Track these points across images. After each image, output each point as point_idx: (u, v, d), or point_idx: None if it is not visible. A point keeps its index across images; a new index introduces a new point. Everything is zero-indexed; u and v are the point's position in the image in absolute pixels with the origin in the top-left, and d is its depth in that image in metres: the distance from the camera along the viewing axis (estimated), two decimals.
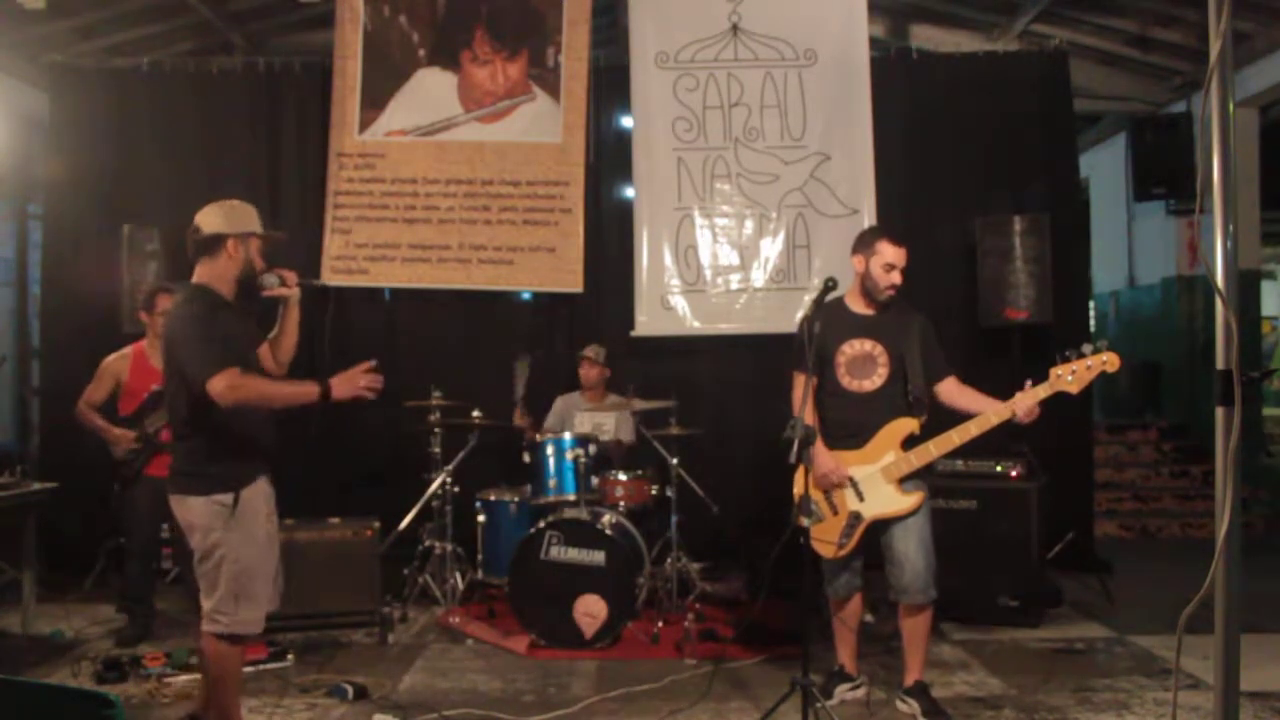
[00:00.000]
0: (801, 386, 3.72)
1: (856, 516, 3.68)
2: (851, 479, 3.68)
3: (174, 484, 3.17)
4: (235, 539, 3.10)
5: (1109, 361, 3.38)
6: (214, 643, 3.12)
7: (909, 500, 3.64)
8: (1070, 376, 3.41)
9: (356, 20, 6.28)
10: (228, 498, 3.08)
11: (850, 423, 3.72)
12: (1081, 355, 3.40)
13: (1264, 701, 3.75)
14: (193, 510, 3.10)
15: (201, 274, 3.21)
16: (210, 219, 3.19)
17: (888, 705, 3.84)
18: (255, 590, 3.14)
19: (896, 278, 3.71)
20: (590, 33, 6.29)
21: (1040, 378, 3.47)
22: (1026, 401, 3.45)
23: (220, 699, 3.16)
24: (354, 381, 3.18)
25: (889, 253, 3.70)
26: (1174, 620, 2.18)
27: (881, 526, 3.68)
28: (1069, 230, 6.19)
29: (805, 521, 3.45)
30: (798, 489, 3.68)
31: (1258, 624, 4.32)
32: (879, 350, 3.73)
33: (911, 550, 3.63)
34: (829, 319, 3.77)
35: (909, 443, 3.65)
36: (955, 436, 3.56)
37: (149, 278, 5.77)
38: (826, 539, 3.71)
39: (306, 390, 3.12)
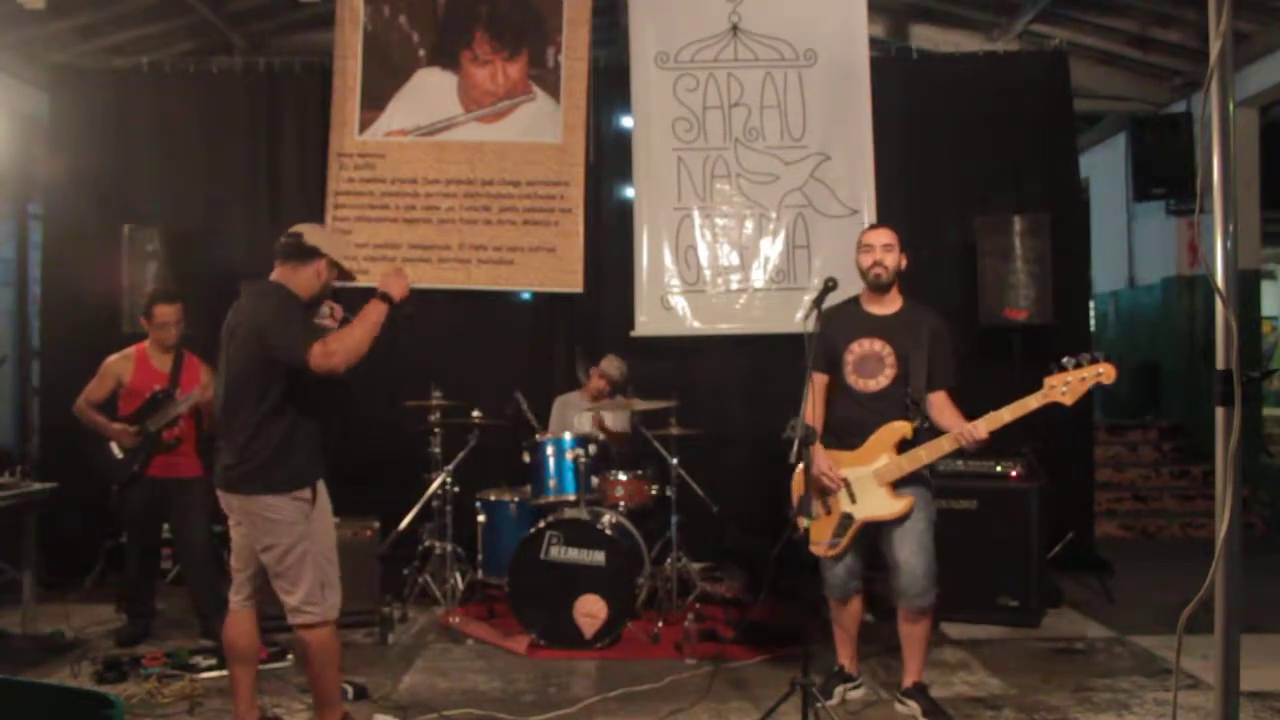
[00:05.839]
0: (817, 385, 3.73)
1: (848, 518, 3.66)
2: (845, 480, 3.67)
3: (245, 483, 3.19)
4: (316, 529, 3.24)
5: (1104, 374, 3.31)
6: (312, 633, 3.22)
7: (900, 504, 3.61)
8: (1064, 388, 3.34)
9: (356, 20, 6.27)
10: (307, 492, 3.21)
11: (854, 422, 3.70)
12: (1078, 365, 3.34)
13: (1264, 701, 3.75)
14: (273, 508, 3.17)
15: (282, 276, 3.35)
16: (313, 234, 3.41)
17: (888, 705, 3.84)
18: (335, 575, 3.30)
19: (877, 254, 3.73)
20: (590, 33, 6.28)
21: (1035, 384, 3.44)
22: (975, 432, 3.46)
23: (324, 684, 3.28)
24: (402, 276, 3.37)
25: (864, 236, 3.83)
26: (1174, 620, 2.18)
27: (880, 530, 3.67)
28: (1069, 230, 6.18)
29: (805, 522, 3.45)
30: (796, 489, 3.68)
31: (1258, 624, 4.34)
32: (887, 350, 3.72)
33: (907, 554, 3.61)
34: (841, 318, 3.79)
35: (904, 446, 3.62)
36: (945, 444, 3.54)
37: (149, 278, 5.76)
38: (819, 538, 3.69)
39: (377, 310, 3.26)
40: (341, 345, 3.12)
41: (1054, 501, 5.22)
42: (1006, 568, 4.88)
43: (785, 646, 4.44)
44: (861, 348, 3.74)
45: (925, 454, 3.57)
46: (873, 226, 3.92)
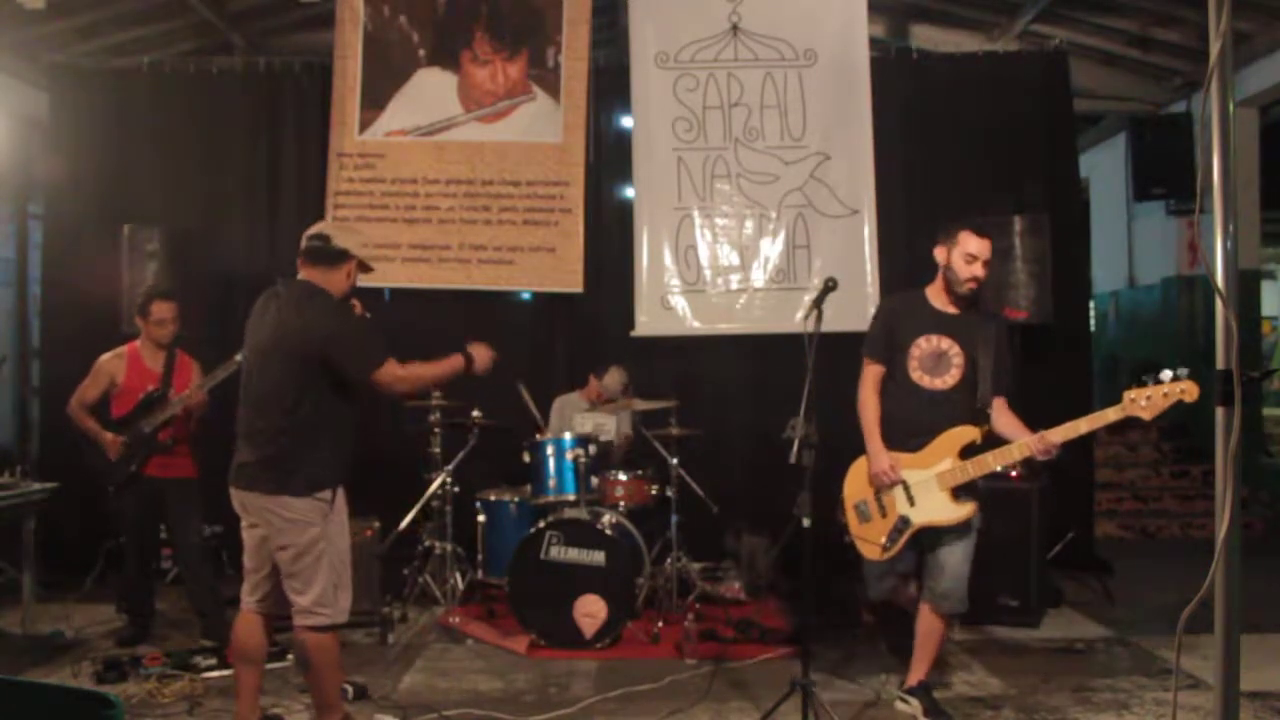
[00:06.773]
0: (873, 377, 3.69)
1: (905, 521, 3.60)
2: (904, 482, 3.60)
3: (265, 482, 3.16)
4: (333, 531, 3.23)
5: (1187, 391, 3.11)
6: (315, 636, 3.19)
7: (962, 510, 3.55)
8: (1145, 402, 3.16)
9: (356, 20, 6.27)
10: (327, 494, 3.21)
11: (916, 421, 3.60)
12: (1159, 381, 3.14)
13: (1264, 701, 3.75)
14: (292, 508, 3.15)
15: (312, 277, 3.31)
16: (340, 235, 3.35)
17: (888, 706, 3.84)
18: (348, 578, 3.31)
19: (978, 270, 3.61)
20: (590, 33, 6.29)
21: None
22: (1050, 440, 3.37)
23: (326, 687, 3.25)
24: (488, 354, 3.47)
25: (971, 243, 3.62)
26: (1174, 620, 2.18)
27: (931, 533, 3.61)
28: (1069, 230, 6.18)
29: (806, 522, 3.43)
30: (848, 490, 3.69)
31: (1258, 624, 4.34)
32: (955, 349, 3.62)
33: (957, 560, 3.59)
34: (907, 309, 3.72)
35: (967, 452, 3.54)
36: (1015, 452, 3.45)
37: (149, 278, 5.74)
38: (872, 540, 3.64)
39: (455, 364, 3.38)
40: (412, 375, 3.31)
41: (1054, 501, 5.21)
42: (1006, 568, 4.87)
43: (785, 646, 4.44)
44: (929, 344, 3.64)
45: (994, 460, 3.48)
46: (975, 231, 3.62)
